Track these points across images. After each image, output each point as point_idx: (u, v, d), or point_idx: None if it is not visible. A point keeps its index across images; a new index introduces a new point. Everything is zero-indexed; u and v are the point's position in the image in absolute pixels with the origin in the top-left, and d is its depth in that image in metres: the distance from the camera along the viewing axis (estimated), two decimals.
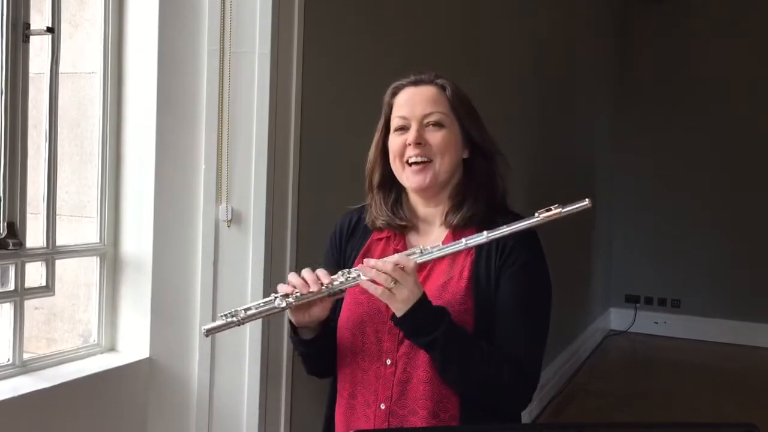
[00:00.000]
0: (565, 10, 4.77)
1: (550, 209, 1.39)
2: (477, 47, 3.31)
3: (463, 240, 1.42)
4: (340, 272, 1.44)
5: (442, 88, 1.54)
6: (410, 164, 1.51)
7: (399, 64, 2.39)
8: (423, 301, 1.39)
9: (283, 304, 1.42)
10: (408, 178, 1.52)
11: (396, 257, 1.39)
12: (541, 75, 4.28)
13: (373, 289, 1.38)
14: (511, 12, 3.73)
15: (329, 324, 1.55)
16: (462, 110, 1.55)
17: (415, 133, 1.50)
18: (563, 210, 1.39)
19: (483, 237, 1.41)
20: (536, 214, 1.41)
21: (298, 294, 1.42)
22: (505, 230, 1.42)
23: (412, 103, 1.53)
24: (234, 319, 1.42)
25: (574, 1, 5.05)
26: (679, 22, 6.29)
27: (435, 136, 1.51)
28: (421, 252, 1.42)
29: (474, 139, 1.56)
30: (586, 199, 1.40)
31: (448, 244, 1.43)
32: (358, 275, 1.41)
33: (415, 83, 1.56)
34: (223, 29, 1.89)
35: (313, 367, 1.62)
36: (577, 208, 1.40)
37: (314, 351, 1.56)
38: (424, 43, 2.75)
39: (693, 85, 6.24)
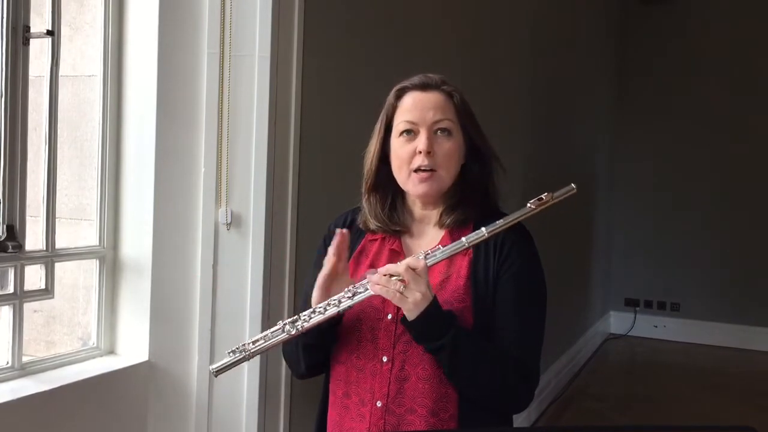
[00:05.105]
0: (565, 12, 4.77)
1: (541, 198, 1.41)
2: (476, 48, 3.31)
3: (464, 239, 1.42)
4: (346, 289, 1.42)
5: (450, 95, 1.53)
6: (416, 171, 1.50)
7: (398, 66, 2.40)
8: (433, 306, 1.39)
9: (293, 331, 1.41)
10: (414, 185, 1.52)
11: (407, 260, 1.39)
12: (540, 77, 4.28)
13: (384, 292, 1.38)
14: (510, 12, 3.74)
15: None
16: (467, 118, 1.55)
17: (427, 141, 1.48)
18: (553, 197, 1.41)
19: (483, 234, 1.41)
20: (528, 205, 1.42)
21: (306, 318, 1.42)
22: (502, 224, 1.42)
23: (421, 108, 1.51)
24: (243, 354, 1.41)
25: (574, 3, 5.05)
26: (683, 22, 6.29)
27: (443, 146, 1.50)
28: (426, 256, 1.41)
29: (476, 146, 1.56)
30: (572, 185, 1.43)
31: (450, 245, 1.43)
32: (366, 289, 1.40)
33: (423, 88, 1.53)
34: (223, 32, 1.89)
35: (311, 363, 1.58)
36: (565, 193, 1.42)
37: (323, 341, 1.52)
38: (423, 45, 2.76)
39: (693, 87, 6.25)
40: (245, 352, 1.41)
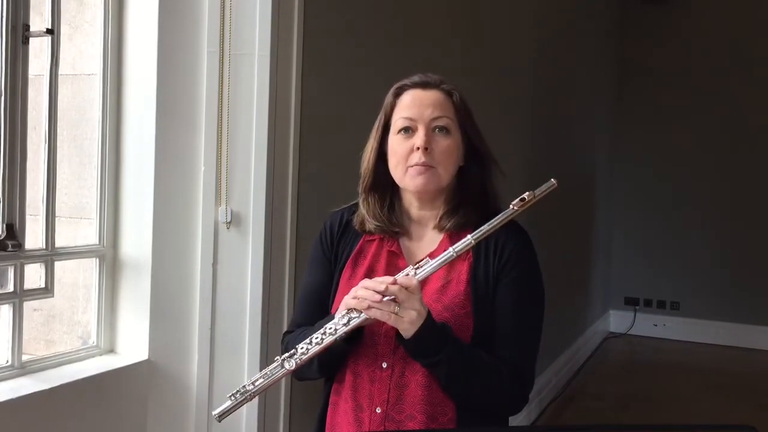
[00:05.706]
0: (565, 12, 4.77)
1: (524, 198, 1.41)
2: (476, 48, 3.31)
3: (451, 249, 1.42)
4: (340, 315, 1.42)
5: (449, 94, 1.53)
6: (413, 166, 1.50)
7: (398, 66, 2.40)
8: (428, 322, 1.39)
9: (292, 366, 1.41)
10: (411, 178, 1.51)
11: (398, 279, 1.39)
12: (540, 77, 4.28)
13: (380, 315, 1.37)
14: (510, 12, 3.74)
15: None
16: (466, 118, 1.54)
17: (425, 137, 1.48)
18: (535, 195, 1.42)
19: (470, 241, 1.41)
20: (512, 206, 1.42)
21: (304, 350, 1.41)
22: (487, 229, 1.42)
23: (420, 105, 1.50)
24: (244, 396, 1.40)
25: (574, 3, 5.05)
26: (682, 22, 6.29)
27: (440, 143, 1.50)
28: (415, 272, 1.41)
29: (474, 147, 1.55)
30: (552, 180, 1.44)
31: (439, 257, 1.42)
32: (360, 313, 1.40)
33: (422, 86, 1.53)
34: (223, 31, 1.89)
35: (327, 373, 1.57)
36: (546, 190, 1.43)
37: (344, 356, 1.51)
38: (423, 46, 2.76)
39: (693, 87, 6.25)
40: (246, 394, 1.41)
